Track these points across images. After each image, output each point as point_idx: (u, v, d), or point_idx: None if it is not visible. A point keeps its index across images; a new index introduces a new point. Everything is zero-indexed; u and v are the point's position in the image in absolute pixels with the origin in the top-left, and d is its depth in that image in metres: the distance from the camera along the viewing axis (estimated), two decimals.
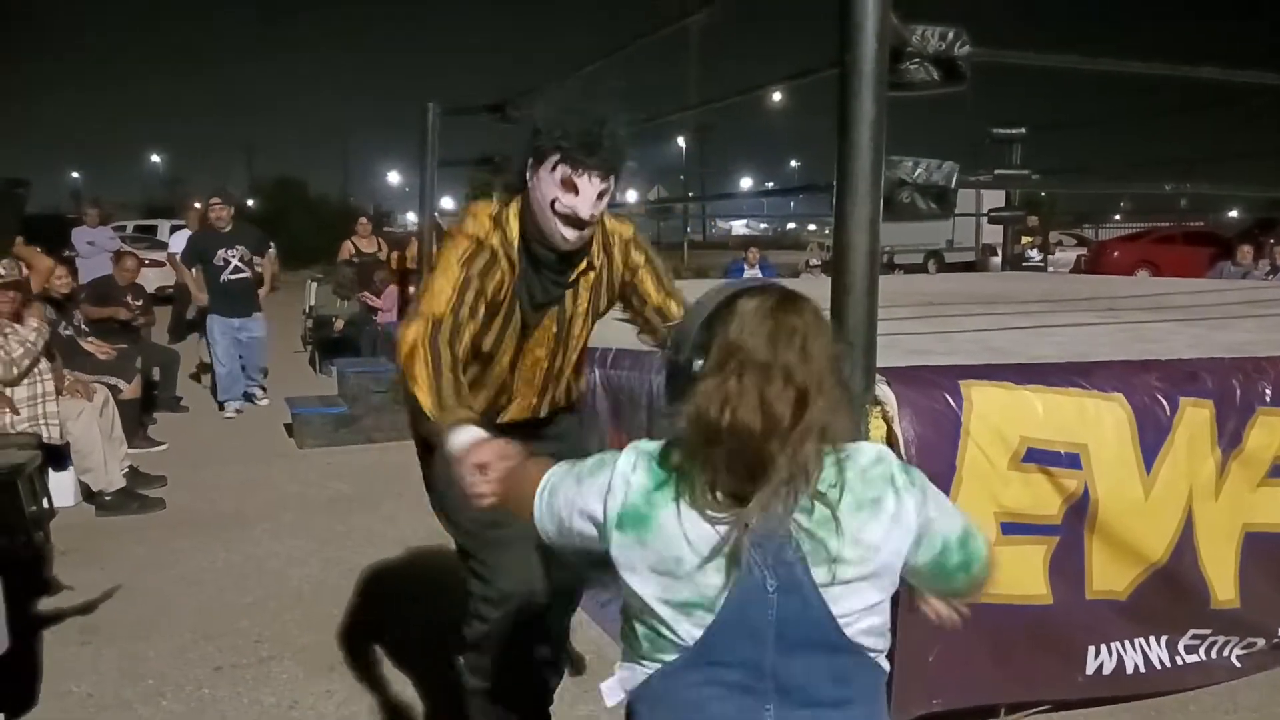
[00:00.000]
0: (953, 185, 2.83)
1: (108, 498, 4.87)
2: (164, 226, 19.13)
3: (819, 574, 1.19)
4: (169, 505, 4.96)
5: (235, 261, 7.33)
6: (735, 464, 1.16)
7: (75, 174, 64.18)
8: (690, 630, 1.21)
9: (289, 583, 3.83)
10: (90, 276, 8.34)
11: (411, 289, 7.38)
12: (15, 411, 4.54)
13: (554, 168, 2.01)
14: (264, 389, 7.94)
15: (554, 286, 2.19)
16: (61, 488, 4.93)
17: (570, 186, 2.01)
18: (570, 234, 2.06)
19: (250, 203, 37.61)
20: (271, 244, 8.51)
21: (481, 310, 2.08)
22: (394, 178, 54.09)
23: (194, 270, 7.61)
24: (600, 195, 2.05)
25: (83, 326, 6.25)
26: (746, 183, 58.03)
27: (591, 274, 2.24)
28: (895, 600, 1.30)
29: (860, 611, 1.22)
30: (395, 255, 9.16)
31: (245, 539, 4.43)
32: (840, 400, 1.19)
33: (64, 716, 2.82)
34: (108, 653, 3.25)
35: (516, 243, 2.13)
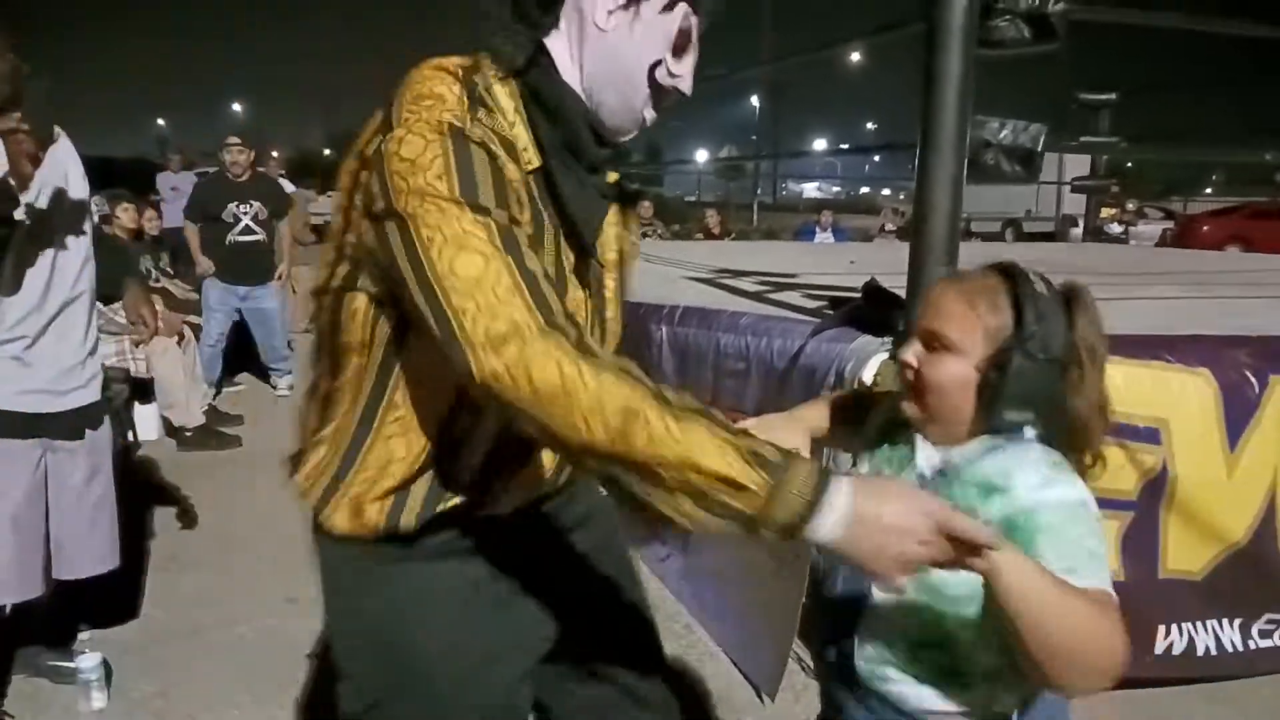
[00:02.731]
0: (1039, 148, 2.75)
1: (188, 433, 5.06)
2: None
3: None
4: (245, 443, 5.14)
5: (247, 220, 6.06)
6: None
7: (161, 121, 65.91)
8: None
9: None
10: (174, 220, 8.59)
11: None
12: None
13: (669, 6, 1.15)
14: (290, 372, 6.43)
15: (598, 206, 1.24)
16: (145, 422, 5.14)
17: (681, 44, 1.17)
18: (651, 114, 1.21)
19: (326, 152, 38.24)
20: (295, 207, 7.14)
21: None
22: None
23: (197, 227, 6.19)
24: None
25: (167, 268, 6.45)
26: (820, 144, 57.14)
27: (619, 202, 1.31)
28: None
29: None
30: None
31: None
32: None
33: (143, 638, 2.96)
34: (185, 580, 3.39)
35: (525, 133, 1.14)
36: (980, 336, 1.15)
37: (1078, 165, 11.25)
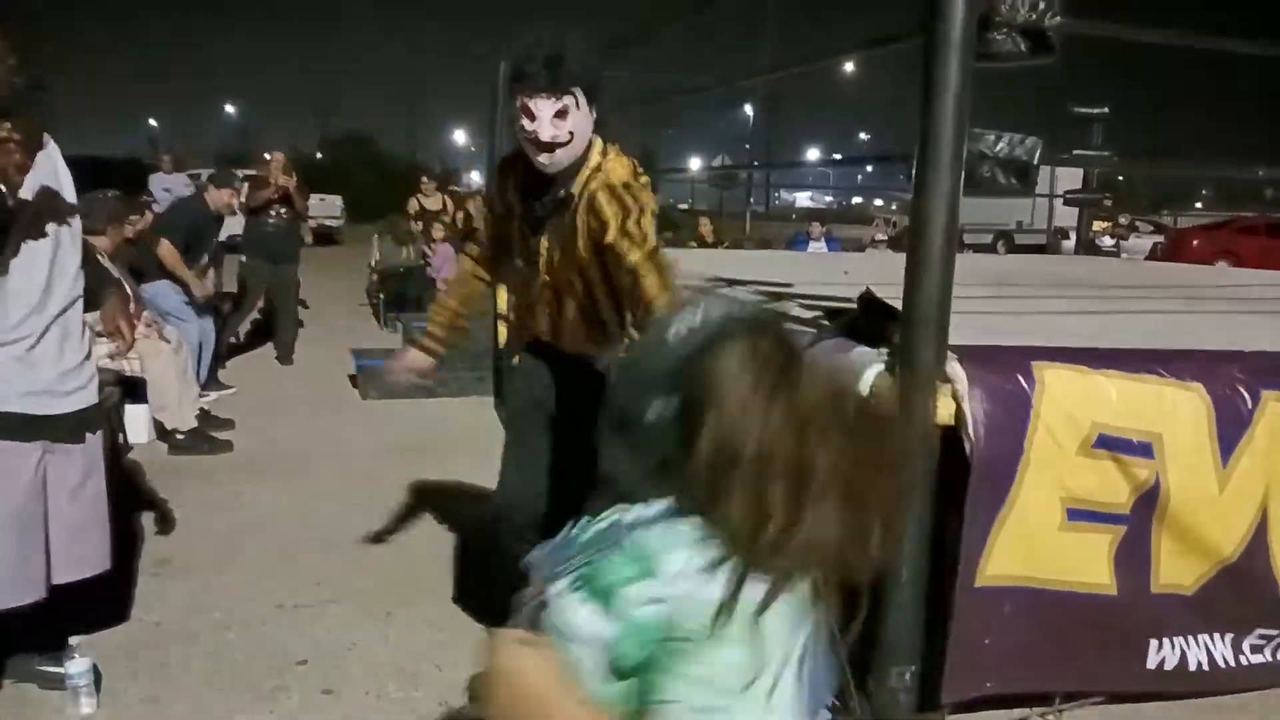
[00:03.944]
0: (1035, 162, 2.76)
1: (180, 437, 5.03)
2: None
3: None
4: (237, 448, 5.11)
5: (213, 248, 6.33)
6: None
7: (153, 121, 65.65)
8: None
9: (349, 528, 3.91)
10: None
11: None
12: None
13: (513, 95, 2.16)
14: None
15: (539, 206, 2.35)
16: (136, 425, 5.11)
17: (526, 111, 2.13)
18: (540, 157, 2.20)
19: (319, 155, 38.15)
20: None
21: (500, 213, 2.50)
22: (460, 137, 54.81)
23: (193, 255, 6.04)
24: (560, 115, 2.13)
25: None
26: (814, 154, 57.23)
27: (572, 204, 2.27)
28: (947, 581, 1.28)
29: None
30: (459, 213, 9.35)
31: (308, 484, 4.54)
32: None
33: (133, 643, 2.93)
34: (176, 585, 3.37)
35: (523, 165, 2.35)
36: None
37: (1070, 178, 11.28)
